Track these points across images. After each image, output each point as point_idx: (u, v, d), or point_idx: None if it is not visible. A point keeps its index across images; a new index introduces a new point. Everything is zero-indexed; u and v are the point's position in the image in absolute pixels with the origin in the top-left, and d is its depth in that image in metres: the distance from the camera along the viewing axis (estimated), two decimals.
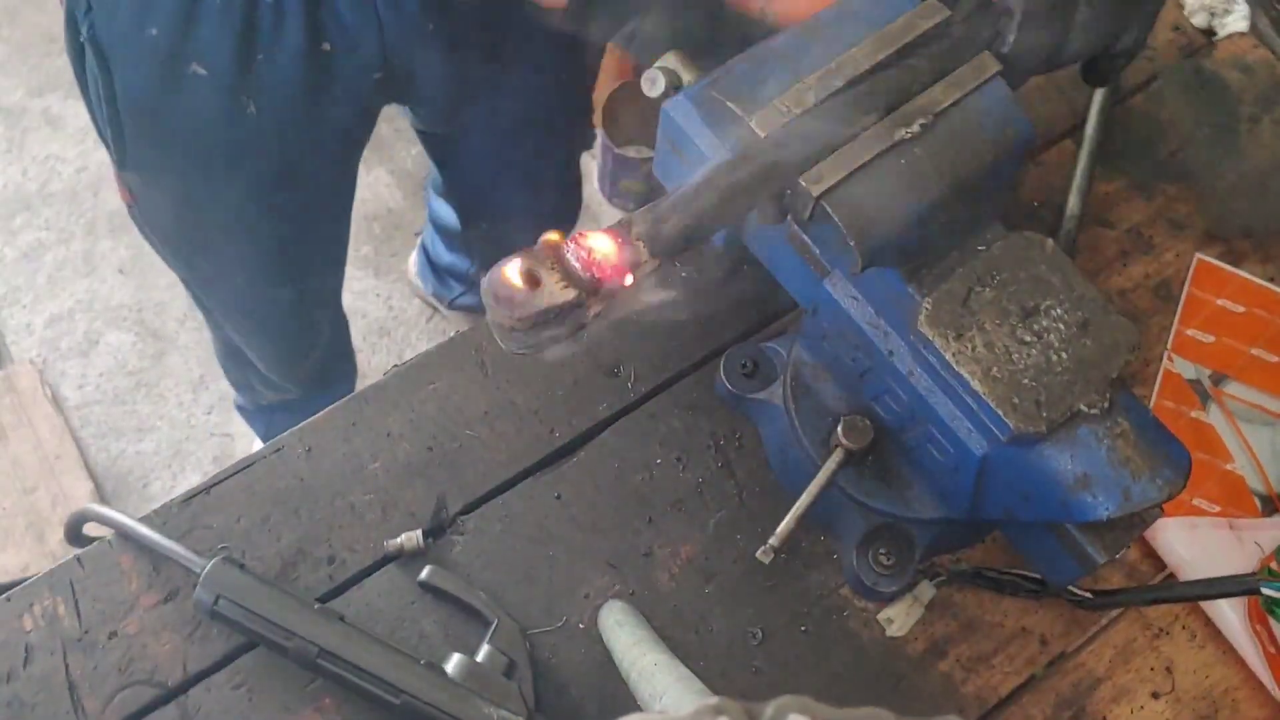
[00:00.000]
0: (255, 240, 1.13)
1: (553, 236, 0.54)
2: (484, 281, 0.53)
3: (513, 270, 0.53)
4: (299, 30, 0.88)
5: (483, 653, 0.69)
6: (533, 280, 0.53)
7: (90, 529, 0.74)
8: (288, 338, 1.35)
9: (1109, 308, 0.63)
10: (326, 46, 0.91)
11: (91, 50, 0.90)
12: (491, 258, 0.54)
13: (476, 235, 1.57)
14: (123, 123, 0.96)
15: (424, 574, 0.72)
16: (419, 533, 0.73)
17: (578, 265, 0.53)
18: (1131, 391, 0.63)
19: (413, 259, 1.99)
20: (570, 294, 0.52)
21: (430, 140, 1.34)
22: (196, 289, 1.30)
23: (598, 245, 0.54)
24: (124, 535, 0.72)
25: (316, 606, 0.68)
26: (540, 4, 0.81)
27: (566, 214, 1.53)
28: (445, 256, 1.83)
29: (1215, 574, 0.71)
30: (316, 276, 1.29)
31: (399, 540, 0.73)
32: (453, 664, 0.68)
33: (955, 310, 0.62)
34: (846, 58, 0.64)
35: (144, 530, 0.71)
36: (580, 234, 0.54)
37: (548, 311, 0.52)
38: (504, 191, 1.36)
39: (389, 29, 0.92)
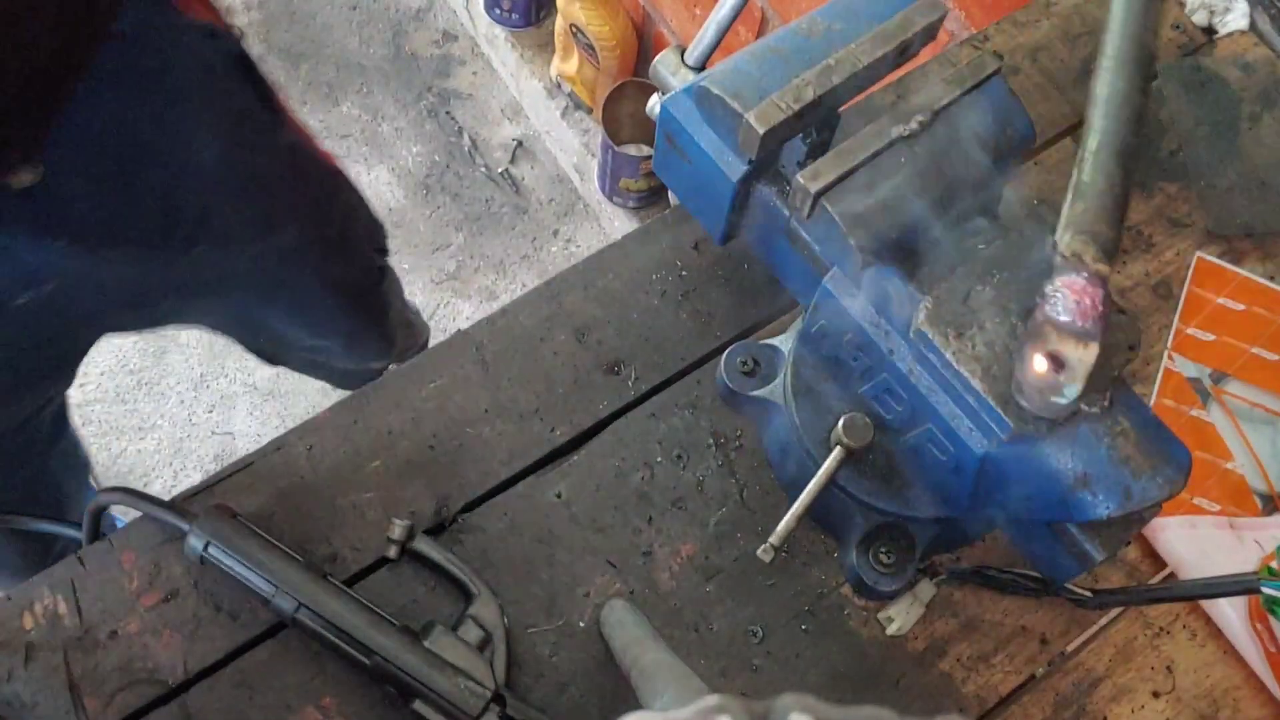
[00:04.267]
0: None
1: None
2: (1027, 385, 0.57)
3: (1038, 363, 0.56)
4: None
5: (460, 624, 0.70)
6: (1056, 362, 0.56)
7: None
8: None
9: (1110, 305, 0.63)
10: None
11: None
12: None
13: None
14: None
15: (414, 542, 0.73)
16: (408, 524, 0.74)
17: (1074, 319, 0.56)
18: (1132, 390, 0.63)
19: None
20: (1094, 351, 0.56)
21: None
22: None
23: (1075, 295, 0.56)
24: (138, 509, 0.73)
25: (303, 561, 0.69)
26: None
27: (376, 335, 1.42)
28: None
29: (1216, 573, 0.70)
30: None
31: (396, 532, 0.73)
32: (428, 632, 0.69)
33: (955, 308, 0.62)
34: (845, 54, 0.64)
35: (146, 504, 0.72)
36: (1060, 290, 0.56)
37: (1090, 375, 0.56)
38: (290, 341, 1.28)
39: None
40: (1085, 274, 0.56)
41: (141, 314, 1.06)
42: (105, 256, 0.87)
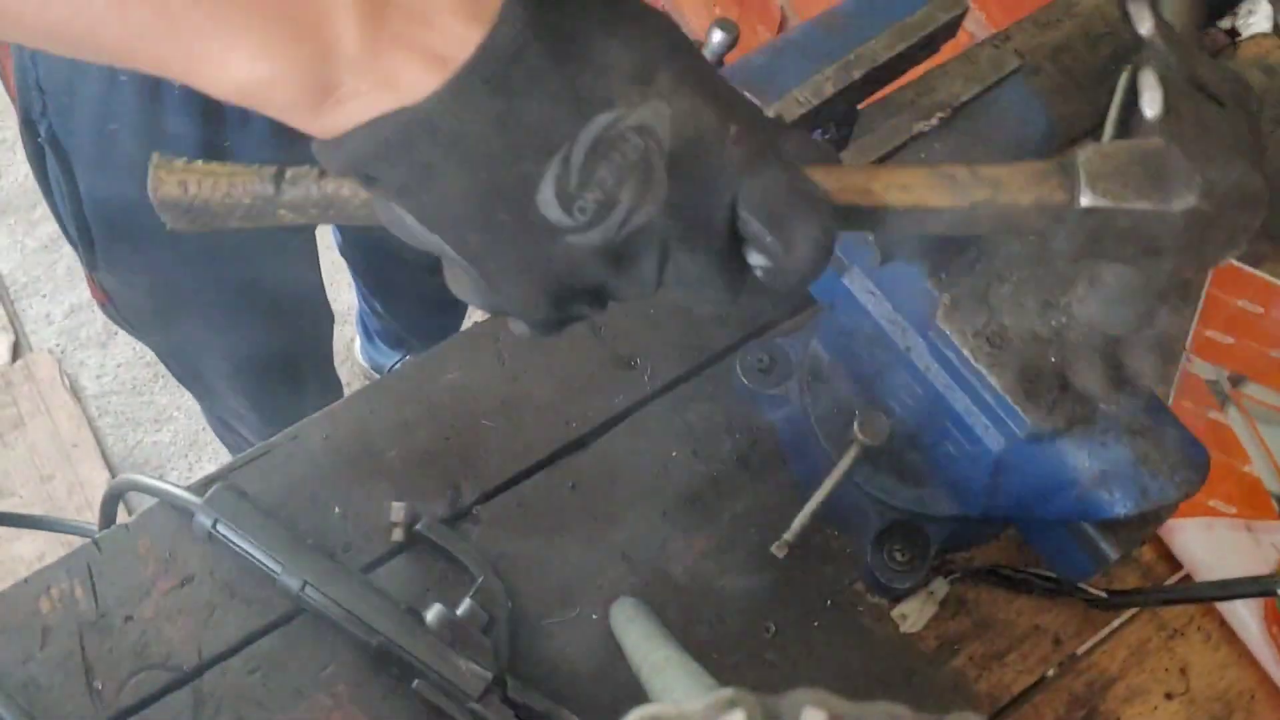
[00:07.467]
0: (240, 327, 1.09)
1: None
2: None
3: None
4: None
5: (463, 606, 0.70)
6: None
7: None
8: (279, 410, 1.31)
9: None
10: None
11: (52, 152, 0.87)
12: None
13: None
14: (90, 224, 0.92)
15: (419, 525, 0.73)
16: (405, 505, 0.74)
17: None
18: (1151, 390, 0.63)
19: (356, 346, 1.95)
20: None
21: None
22: (182, 374, 1.27)
23: None
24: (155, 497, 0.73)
25: (309, 543, 0.70)
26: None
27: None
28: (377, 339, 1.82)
29: (1231, 575, 0.70)
30: (306, 354, 1.26)
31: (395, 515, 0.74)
32: (432, 613, 0.69)
33: (973, 306, 0.62)
34: (865, 50, 0.64)
35: (167, 487, 0.72)
36: None
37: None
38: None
39: None
40: None
41: None
42: None
